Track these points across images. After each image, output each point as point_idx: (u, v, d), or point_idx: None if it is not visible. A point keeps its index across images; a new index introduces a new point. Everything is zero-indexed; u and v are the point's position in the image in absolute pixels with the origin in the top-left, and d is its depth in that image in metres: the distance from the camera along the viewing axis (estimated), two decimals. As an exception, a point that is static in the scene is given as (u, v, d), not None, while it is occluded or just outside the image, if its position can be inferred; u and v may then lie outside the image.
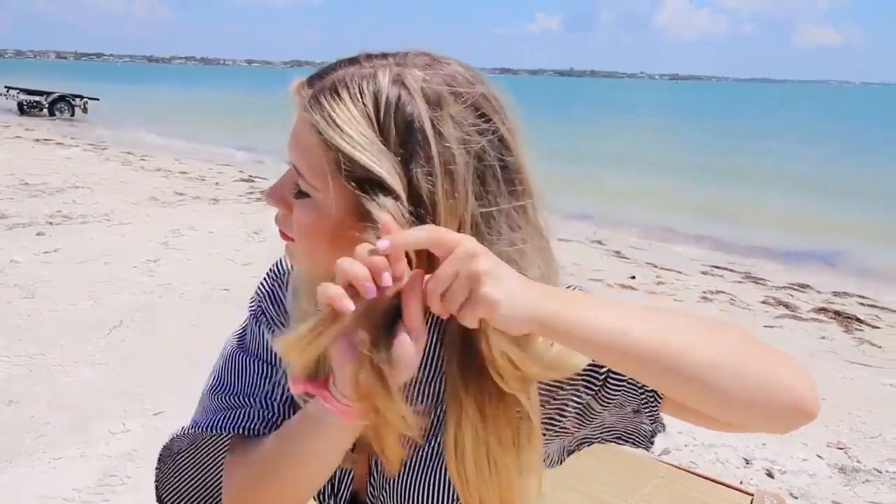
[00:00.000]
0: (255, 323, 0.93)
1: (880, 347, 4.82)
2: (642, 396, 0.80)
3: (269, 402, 0.86)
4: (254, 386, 0.88)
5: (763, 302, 5.82)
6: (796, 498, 2.84)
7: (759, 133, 30.07)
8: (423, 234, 0.64)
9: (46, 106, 21.70)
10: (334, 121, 0.68)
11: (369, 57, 0.72)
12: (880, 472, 3.07)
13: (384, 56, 0.72)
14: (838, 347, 4.77)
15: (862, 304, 6.04)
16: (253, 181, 10.62)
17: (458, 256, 0.63)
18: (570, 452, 0.90)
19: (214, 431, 0.86)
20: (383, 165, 0.67)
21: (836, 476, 3.03)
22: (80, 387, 3.35)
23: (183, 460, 0.95)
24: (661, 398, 0.80)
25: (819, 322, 5.34)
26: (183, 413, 2.98)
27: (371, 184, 0.67)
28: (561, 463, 0.90)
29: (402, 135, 0.67)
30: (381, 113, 0.68)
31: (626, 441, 0.87)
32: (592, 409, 0.82)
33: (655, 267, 6.79)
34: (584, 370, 0.78)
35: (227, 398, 0.88)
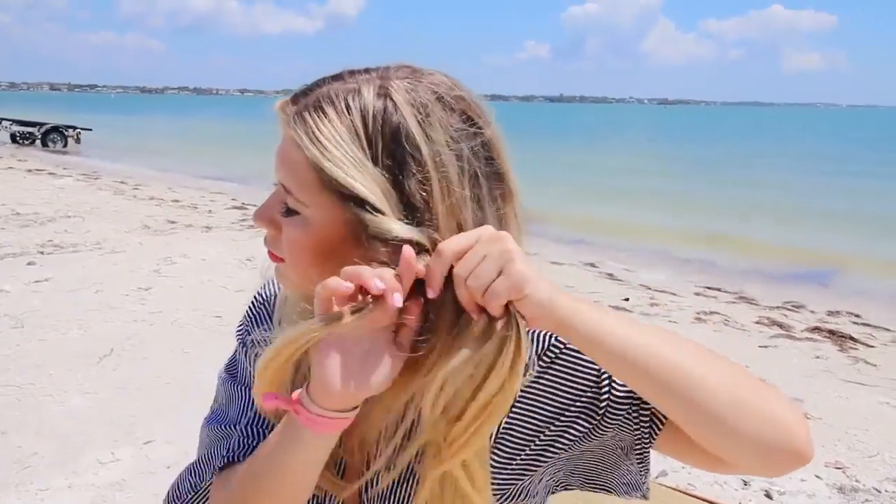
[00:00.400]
0: (243, 349, 0.92)
1: (875, 366, 4.81)
2: (636, 432, 0.78)
3: (252, 429, 0.85)
4: (240, 414, 0.88)
5: (757, 322, 5.81)
6: (796, 519, 2.81)
7: (750, 156, 30.35)
8: (450, 251, 0.64)
9: (39, 137, 21.77)
10: (317, 138, 0.68)
11: (352, 73, 0.72)
12: (879, 492, 3.05)
13: (367, 71, 0.72)
14: (833, 366, 4.76)
15: (856, 323, 6.05)
16: (245, 208, 10.62)
17: (484, 240, 0.63)
18: (552, 493, 0.87)
19: (210, 468, 0.85)
20: (366, 182, 0.67)
21: (836, 496, 3.00)
22: (70, 416, 3.30)
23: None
24: (658, 432, 0.77)
25: (813, 341, 5.33)
26: (174, 441, 2.93)
27: (358, 200, 0.67)
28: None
29: (390, 146, 0.67)
30: (369, 127, 0.68)
31: (605, 489, 0.84)
32: (590, 438, 0.80)
33: (649, 289, 6.79)
34: (585, 399, 0.78)
35: (218, 428, 0.88)
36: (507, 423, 0.80)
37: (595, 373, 0.78)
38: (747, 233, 10.74)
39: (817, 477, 3.15)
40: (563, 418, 0.80)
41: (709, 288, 7.05)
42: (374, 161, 0.67)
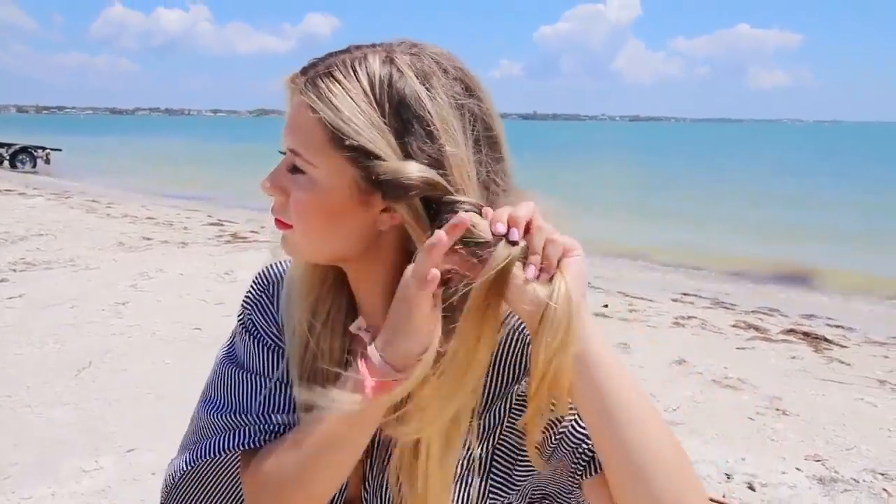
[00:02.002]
0: (246, 334, 0.92)
1: (849, 365, 4.92)
2: (573, 466, 0.80)
3: (266, 416, 0.85)
4: (249, 400, 0.87)
5: (734, 326, 5.91)
6: (779, 509, 2.86)
7: (720, 169, 30.90)
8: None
9: (7, 158, 21.40)
10: (330, 99, 0.71)
11: (358, 46, 0.77)
12: (858, 482, 3.11)
13: (372, 45, 0.76)
14: (809, 366, 4.85)
15: (829, 325, 6.18)
16: (222, 225, 10.55)
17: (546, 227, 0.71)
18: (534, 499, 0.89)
19: (221, 454, 0.85)
20: (376, 138, 0.70)
21: (816, 487, 3.05)
22: (50, 426, 3.25)
23: (186, 487, 0.92)
24: (588, 476, 0.78)
25: (789, 343, 5.43)
26: (157, 449, 2.90)
27: (368, 156, 0.70)
28: None
29: (396, 108, 0.71)
30: (376, 90, 0.71)
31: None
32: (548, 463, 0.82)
33: (627, 296, 6.86)
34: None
35: (225, 417, 0.87)
36: (507, 427, 0.83)
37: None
38: (721, 242, 10.93)
39: (798, 469, 3.21)
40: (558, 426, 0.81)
41: (686, 294, 7.15)
42: (384, 121, 0.71)
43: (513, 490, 0.85)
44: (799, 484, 3.07)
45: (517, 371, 0.83)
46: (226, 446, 0.84)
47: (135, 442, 3.10)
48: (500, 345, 0.83)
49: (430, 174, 0.70)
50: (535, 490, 0.87)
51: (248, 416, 0.86)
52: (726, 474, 3.12)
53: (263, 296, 0.94)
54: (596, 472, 0.78)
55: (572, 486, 0.82)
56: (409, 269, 0.70)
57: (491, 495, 0.84)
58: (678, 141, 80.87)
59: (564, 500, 0.86)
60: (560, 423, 0.80)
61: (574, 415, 0.79)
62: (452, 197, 0.70)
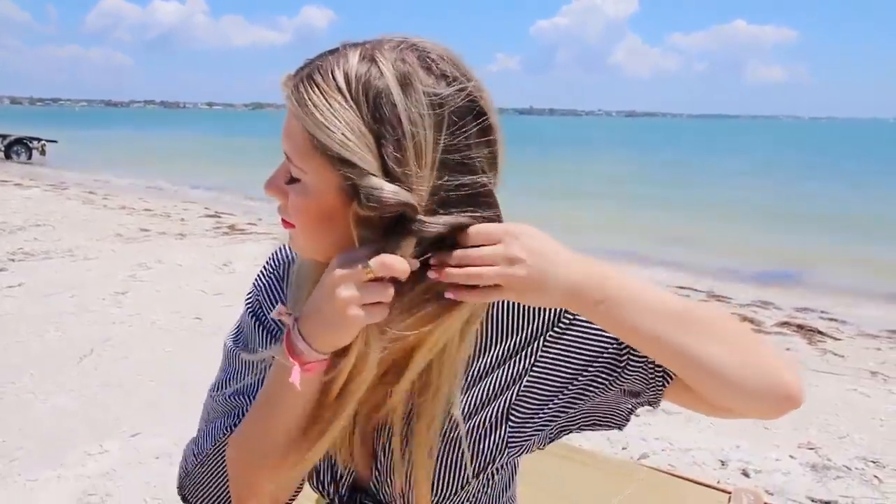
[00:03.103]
0: (252, 317, 0.95)
1: (843, 357, 4.98)
2: (650, 383, 0.85)
3: (252, 397, 0.88)
4: (247, 384, 0.90)
5: (728, 318, 5.96)
6: (772, 494, 2.91)
7: (716, 164, 30.96)
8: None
9: (2, 149, 21.28)
10: (307, 106, 0.71)
11: (346, 45, 0.76)
12: (850, 469, 3.16)
13: (361, 43, 0.75)
14: (803, 357, 4.91)
15: (823, 318, 6.24)
16: (219, 217, 10.56)
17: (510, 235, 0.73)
18: (552, 440, 0.92)
19: (216, 443, 0.88)
20: (351, 144, 0.69)
21: (809, 474, 3.11)
22: (54, 412, 3.28)
23: (197, 473, 0.94)
24: (668, 384, 0.84)
25: (783, 335, 5.49)
26: (162, 434, 2.94)
27: (344, 161, 0.70)
28: (541, 448, 0.92)
29: (373, 109, 0.70)
30: (353, 91, 0.70)
31: (602, 425, 0.91)
32: (609, 389, 0.87)
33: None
34: (607, 356, 0.85)
35: (226, 399, 0.91)
36: (527, 382, 0.86)
37: (613, 336, 0.85)
38: (715, 235, 10.98)
39: (791, 457, 3.26)
40: (585, 374, 0.86)
41: (681, 287, 7.20)
42: (362, 123, 0.70)
43: (535, 434, 0.88)
44: (793, 470, 3.12)
45: (521, 324, 0.87)
46: (221, 432, 0.88)
47: (139, 427, 3.14)
48: (493, 305, 0.86)
49: (405, 197, 0.69)
50: (586, 419, 0.90)
51: (244, 396, 0.89)
52: (721, 461, 3.17)
53: (273, 278, 0.96)
54: (672, 378, 0.83)
55: (623, 403, 0.88)
56: (343, 257, 0.72)
57: (510, 444, 0.88)
58: (674, 136, 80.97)
59: (610, 416, 0.90)
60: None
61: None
62: (419, 222, 0.71)
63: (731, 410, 0.79)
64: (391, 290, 0.71)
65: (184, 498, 0.96)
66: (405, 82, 0.71)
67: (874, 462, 3.23)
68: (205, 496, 0.94)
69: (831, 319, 6.17)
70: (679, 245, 9.92)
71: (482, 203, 0.75)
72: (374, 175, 0.69)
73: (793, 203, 15.94)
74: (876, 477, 3.08)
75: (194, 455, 0.92)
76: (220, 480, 0.93)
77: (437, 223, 0.72)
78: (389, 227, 0.72)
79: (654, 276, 7.81)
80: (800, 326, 5.73)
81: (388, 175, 0.70)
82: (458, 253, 0.73)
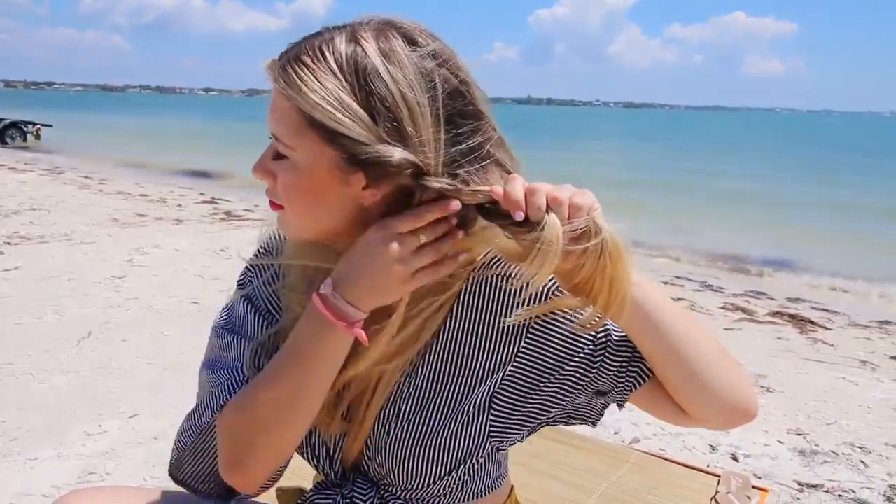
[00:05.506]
0: (242, 297, 0.97)
1: (833, 346, 5.04)
2: (621, 383, 0.89)
3: (241, 370, 0.91)
4: (235, 359, 0.93)
5: (722, 308, 6.02)
6: (760, 478, 2.96)
7: (712, 154, 30.97)
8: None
9: (-3, 133, 21.21)
10: (299, 84, 0.74)
11: (328, 28, 0.80)
12: (837, 455, 3.22)
13: (341, 26, 0.79)
14: (794, 347, 4.96)
15: (814, 308, 6.30)
16: (216, 202, 10.56)
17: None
18: (531, 433, 0.94)
19: (212, 419, 0.90)
20: (346, 118, 0.73)
21: (797, 458, 3.16)
22: (53, 393, 3.31)
23: (193, 448, 0.96)
24: (638, 387, 0.88)
25: (775, 325, 5.55)
26: (160, 415, 2.97)
27: (344, 137, 0.73)
28: (522, 441, 0.94)
29: (362, 86, 0.74)
30: (343, 69, 0.74)
31: (576, 419, 0.94)
32: (585, 390, 0.90)
33: (618, 278, 6.95)
34: (583, 355, 0.88)
35: (214, 374, 0.93)
36: (510, 371, 0.89)
37: (591, 335, 0.88)
38: (710, 226, 11.03)
39: (780, 442, 3.32)
40: (563, 370, 0.88)
41: (676, 277, 7.26)
42: (355, 100, 0.74)
43: (518, 431, 0.91)
44: (781, 455, 3.18)
45: (499, 307, 0.89)
46: (213, 408, 0.90)
47: (138, 408, 3.17)
48: (469, 290, 0.89)
49: (412, 157, 0.74)
50: (560, 415, 0.93)
51: (230, 370, 0.91)
52: (711, 445, 3.22)
53: (264, 260, 0.98)
54: (643, 381, 0.88)
55: (596, 401, 0.93)
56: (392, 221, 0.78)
57: (492, 434, 0.90)
58: (672, 128, 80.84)
59: (584, 413, 0.95)
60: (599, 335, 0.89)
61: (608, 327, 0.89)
62: (428, 181, 0.75)
63: (693, 418, 0.85)
64: (438, 250, 0.79)
65: (177, 479, 0.98)
66: (389, 56, 0.75)
67: (861, 448, 3.28)
68: (202, 472, 0.96)
69: (823, 310, 6.23)
70: (673, 234, 9.97)
71: (492, 156, 0.80)
72: (376, 144, 0.73)
73: (790, 195, 15.98)
74: (862, 462, 3.14)
75: (192, 429, 0.94)
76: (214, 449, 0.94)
77: (452, 182, 0.77)
78: (404, 196, 0.78)
79: (647, 265, 7.86)
80: (792, 316, 5.79)
81: (389, 144, 0.74)
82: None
